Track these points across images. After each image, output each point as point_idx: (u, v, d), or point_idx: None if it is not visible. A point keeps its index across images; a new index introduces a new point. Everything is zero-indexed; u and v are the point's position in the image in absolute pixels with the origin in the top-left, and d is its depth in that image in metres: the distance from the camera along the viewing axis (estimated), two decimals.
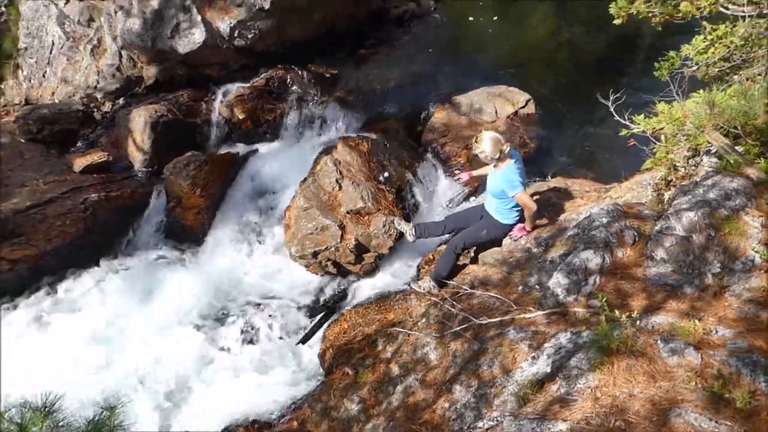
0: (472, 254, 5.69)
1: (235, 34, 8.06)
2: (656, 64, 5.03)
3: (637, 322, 3.26)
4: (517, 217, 5.21)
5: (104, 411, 2.24)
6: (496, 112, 7.62)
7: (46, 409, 2.14)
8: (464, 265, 5.59)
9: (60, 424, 2.16)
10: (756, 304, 3.30)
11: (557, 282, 4.14)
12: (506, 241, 5.31)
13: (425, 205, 6.92)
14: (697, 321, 3.20)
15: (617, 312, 3.25)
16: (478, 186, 6.99)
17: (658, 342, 3.07)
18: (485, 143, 4.92)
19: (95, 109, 8.38)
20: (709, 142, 4.38)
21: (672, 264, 3.79)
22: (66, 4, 8.56)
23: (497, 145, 4.91)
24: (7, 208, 6.46)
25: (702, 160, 4.58)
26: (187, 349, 5.99)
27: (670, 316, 3.39)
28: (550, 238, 4.95)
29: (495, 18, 10.34)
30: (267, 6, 7.85)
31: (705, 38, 4.63)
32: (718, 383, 2.72)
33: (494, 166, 5.10)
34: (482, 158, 5.04)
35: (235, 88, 8.24)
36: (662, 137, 4.93)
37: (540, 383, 3.31)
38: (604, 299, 3.35)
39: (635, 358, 2.98)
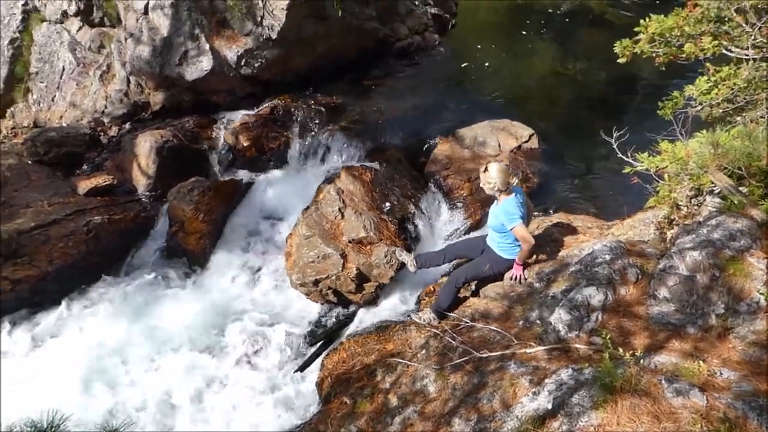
0: (473, 287, 5.67)
1: (242, 63, 8.19)
2: (660, 104, 5.08)
3: (641, 361, 3.23)
4: (513, 245, 5.14)
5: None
6: (499, 145, 7.68)
7: (52, 429, 2.13)
8: (465, 298, 5.57)
9: None
10: (760, 347, 3.28)
11: (559, 317, 4.12)
12: (508, 274, 5.30)
13: (427, 237, 6.92)
14: (701, 362, 3.18)
15: (620, 350, 3.23)
16: (479, 219, 7.01)
17: (663, 382, 3.04)
18: (495, 173, 4.84)
19: (102, 133, 8.47)
20: (712, 182, 4.40)
21: (675, 303, 3.78)
22: (78, 30, 8.73)
23: (507, 177, 4.88)
24: (11, 228, 6.47)
25: (705, 199, 4.60)
26: (184, 372, 5.93)
27: (674, 356, 3.36)
28: (552, 273, 4.94)
29: (499, 52, 10.50)
30: (274, 36, 8.00)
31: (708, 79, 4.68)
32: (724, 427, 2.69)
33: (496, 199, 5.07)
34: (487, 189, 4.96)
35: (240, 115, 8.34)
36: (665, 176, 4.95)
37: (541, 419, 3.27)
38: (608, 336, 3.33)
39: (639, 397, 2.95)
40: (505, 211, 4.92)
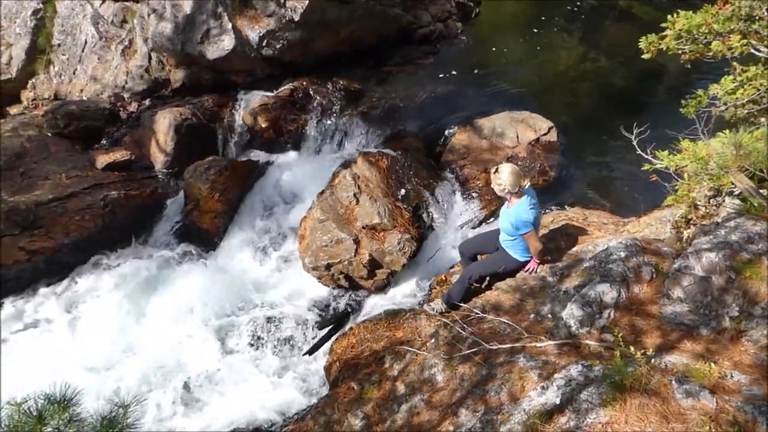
0: (488, 280, 5.66)
1: (264, 44, 8.17)
2: (683, 101, 5.00)
3: (652, 360, 3.22)
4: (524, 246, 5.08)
5: (119, 408, 2.26)
6: (517, 137, 7.62)
7: (65, 402, 2.17)
8: (477, 289, 5.57)
9: (76, 418, 2.18)
10: None
11: (571, 313, 4.11)
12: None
13: (441, 226, 6.91)
14: (712, 364, 3.16)
15: (632, 348, 3.22)
16: (494, 210, 6.98)
17: (673, 382, 3.03)
18: (505, 175, 4.70)
19: (121, 108, 8.51)
20: (732, 184, 4.34)
21: (689, 304, 3.75)
22: (101, 4, 8.75)
23: (518, 179, 4.74)
24: (29, 199, 6.57)
25: (724, 200, 4.55)
26: (194, 351, 6.02)
27: (685, 357, 3.35)
28: (566, 269, 4.92)
29: (522, 43, 10.38)
30: (297, 18, 7.96)
31: (734, 79, 4.60)
32: (733, 430, 2.68)
33: (507, 200, 4.96)
34: (499, 191, 4.83)
35: (259, 96, 8.34)
36: (685, 175, 4.89)
37: (549, 414, 3.28)
38: (620, 334, 3.32)
39: (648, 396, 2.95)
40: (517, 216, 4.81)
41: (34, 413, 2.17)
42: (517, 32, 10.79)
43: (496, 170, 4.79)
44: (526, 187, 4.87)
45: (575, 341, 3.92)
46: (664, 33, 4.82)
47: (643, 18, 11.15)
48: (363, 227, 6.26)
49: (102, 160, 7.48)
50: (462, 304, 5.21)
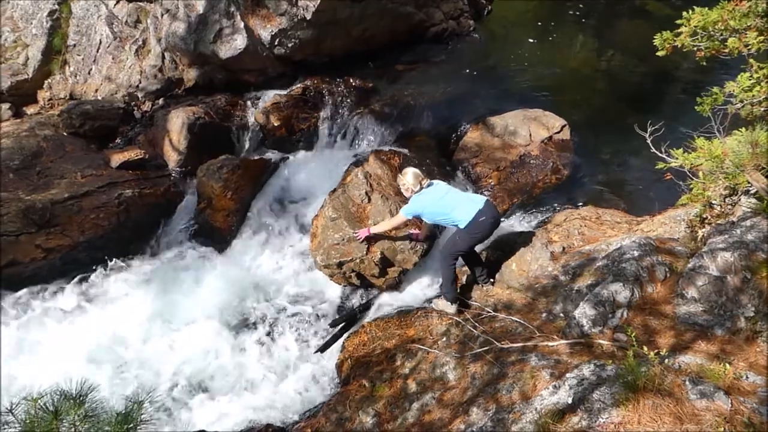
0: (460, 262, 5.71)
1: (276, 42, 8.20)
2: (698, 99, 4.94)
3: (665, 360, 3.20)
4: (459, 224, 5.34)
5: (133, 405, 2.29)
6: (530, 135, 7.60)
7: (80, 398, 2.20)
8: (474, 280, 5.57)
9: (91, 414, 2.21)
10: None
11: (583, 312, 4.09)
12: (533, 266, 5.27)
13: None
14: (727, 365, 3.13)
15: (645, 348, 3.20)
16: (506, 209, 6.96)
17: (687, 383, 3.00)
18: (409, 177, 5.49)
19: (135, 108, 8.58)
20: (748, 182, 4.28)
21: (703, 304, 3.72)
22: (116, 4, 8.82)
23: (417, 181, 5.46)
24: (45, 197, 6.64)
25: (740, 199, 4.50)
26: (206, 348, 6.05)
27: (699, 357, 3.32)
28: (578, 267, 4.90)
29: (535, 41, 10.32)
30: (309, 17, 7.98)
31: (751, 76, 4.53)
32: None
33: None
34: (403, 190, 5.56)
35: (271, 95, 8.37)
36: (700, 173, 4.84)
37: (560, 414, 3.27)
38: (633, 334, 3.30)
39: (662, 397, 2.92)
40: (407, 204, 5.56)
41: (51, 408, 2.20)
42: (530, 29, 10.73)
43: (402, 173, 5.58)
44: (426, 186, 5.47)
45: (588, 341, 3.90)
46: (679, 30, 4.76)
47: (656, 14, 11.05)
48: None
49: (116, 159, 7.55)
50: (473, 302, 5.22)
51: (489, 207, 5.37)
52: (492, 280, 5.69)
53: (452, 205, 5.36)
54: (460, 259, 5.63)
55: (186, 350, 5.99)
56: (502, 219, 6.86)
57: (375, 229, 5.93)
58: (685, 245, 4.60)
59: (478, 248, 5.86)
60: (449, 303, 5.42)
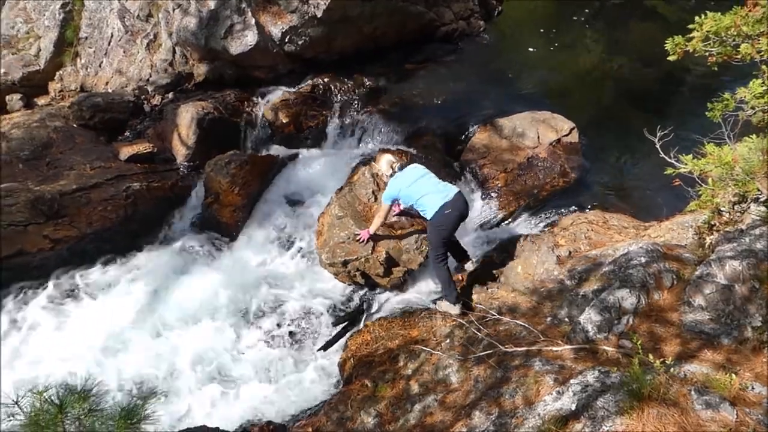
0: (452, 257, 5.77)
1: (286, 39, 8.20)
2: (709, 105, 4.91)
3: (671, 369, 3.17)
4: (426, 213, 5.43)
5: (137, 400, 2.30)
6: (538, 137, 7.56)
7: (85, 393, 2.21)
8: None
9: (95, 408, 2.22)
10: None
11: (588, 318, 4.08)
12: (539, 269, 5.25)
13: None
14: (733, 375, 3.10)
15: (650, 356, 3.18)
16: (513, 211, 6.95)
17: (692, 393, 2.98)
18: (381, 163, 5.87)
19: (145, 101, 8.60)
20: (758, 190, 4.25)
21: (710, 312, 3.70)
22: None
23: (389, 165, 5.75)
24: (54, 189, 6.68)
25: (749, 207, 4.46)
26: (210, 343, 6.06)
27: (705, 367, 3.29)
28: (584, 272, 4.88)
29: (545, 42, 10.28)
30: (319, 14, 7.98)
31: (763, 82, 4.50)
32: None
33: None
34: (380, 175, 5.91)
35: (280, 91, 8.37)
36: (709, 180, 4.81)
37: (564, 420, 3.25)
38: (638, 341, 3.28)
39: (667, 406, 2.90)
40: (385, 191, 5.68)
41: (56, 402, 2.21)
42: (541, 31, 10.68)
43: (375, 159, 5.95)
44: (397, 170, 5.64)
45: (592, 347, 3.88)
46: (691, 35, 4.72)
47: (668, 18, 10.96)
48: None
49: (125, 151, 7.58)
50: (478, 305, 5.21)
51: (457, 200, 5.34)
52: (466, 263, 5.85)
53: (423, 190, 5.40)
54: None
55: (187, 346, 5.99)
56: (509, 220, 6.88)
57: (372, 228, 5.92)
58: (692, 252, 4.57)
59: (477, 249, 5.91)
60: (452, 304, 5.41)
